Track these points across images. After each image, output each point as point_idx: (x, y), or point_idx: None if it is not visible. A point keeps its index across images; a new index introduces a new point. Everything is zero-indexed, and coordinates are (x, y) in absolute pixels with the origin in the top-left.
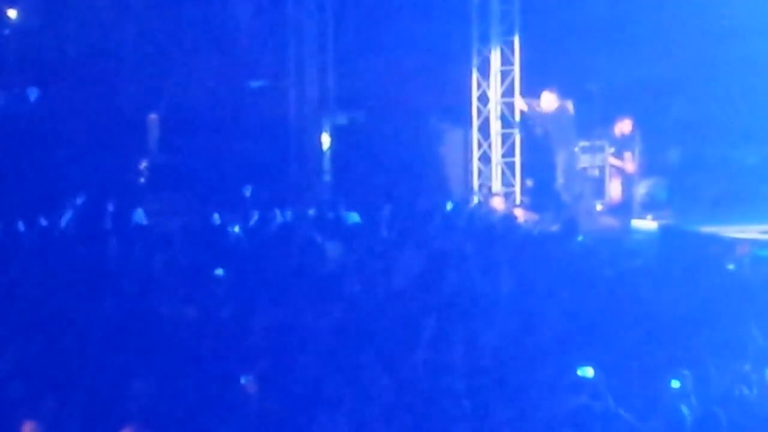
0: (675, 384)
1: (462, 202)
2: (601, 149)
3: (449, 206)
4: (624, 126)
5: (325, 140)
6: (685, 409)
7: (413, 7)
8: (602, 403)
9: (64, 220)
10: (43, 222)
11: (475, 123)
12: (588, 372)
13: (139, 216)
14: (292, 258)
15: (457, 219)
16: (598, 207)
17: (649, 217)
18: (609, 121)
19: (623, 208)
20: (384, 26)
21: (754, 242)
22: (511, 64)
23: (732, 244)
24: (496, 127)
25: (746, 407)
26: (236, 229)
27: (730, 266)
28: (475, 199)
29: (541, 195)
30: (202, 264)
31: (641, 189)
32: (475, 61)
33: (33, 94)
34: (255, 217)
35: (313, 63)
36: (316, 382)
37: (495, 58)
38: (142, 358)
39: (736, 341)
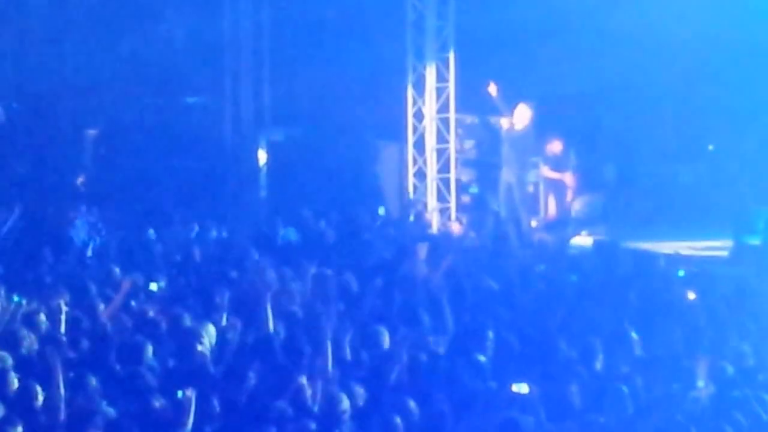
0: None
1: (398, 217)
2: (535, 165)
3: (384, 222)
4: (558, 142)
5: (261, 156)
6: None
7: (349, 23)
8: (534, 417)
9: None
10: None
11: (411, 139)
12: (523, 388)
13: (76, 231)
14: (228, 273)
15: (393, 235)
16: (533, 223)
17: (584, 233)
18: (543, 137)
19: (558, 224)
20: (320, 43)
21: (687, 258)
22: (446, 80)
23: (666, 259)
24: (431, 143)
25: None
26: (172, 244)
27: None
28: (411, 215)
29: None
30: (138, 278)
31: (576, 205)
32: (410, 77)
33: None
34: (192, 232)
35: (249, 79)
36: (254, 398)
37: (430, 74)
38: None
39: (667, 356)
